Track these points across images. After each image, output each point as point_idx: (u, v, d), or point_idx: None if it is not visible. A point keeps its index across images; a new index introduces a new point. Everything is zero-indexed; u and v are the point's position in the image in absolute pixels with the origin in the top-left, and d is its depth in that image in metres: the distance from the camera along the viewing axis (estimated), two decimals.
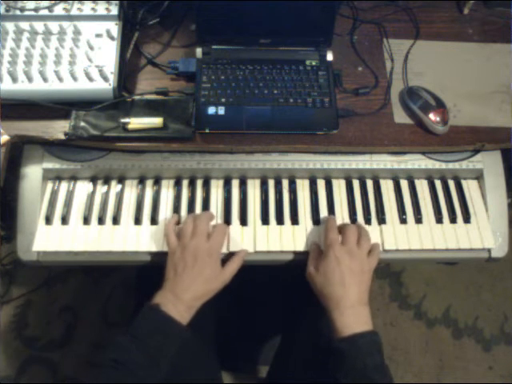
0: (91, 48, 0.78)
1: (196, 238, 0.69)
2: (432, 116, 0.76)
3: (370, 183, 0.82)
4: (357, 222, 0.78)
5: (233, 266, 0.71)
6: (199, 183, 0.81)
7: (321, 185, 0.81)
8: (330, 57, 0.83)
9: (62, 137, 0.74)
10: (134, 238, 0.76)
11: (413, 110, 0.79)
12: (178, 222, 0.76)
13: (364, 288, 0.68)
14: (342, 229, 0.73)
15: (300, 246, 0.75)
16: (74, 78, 0.75)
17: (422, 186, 0.82)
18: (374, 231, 0.77)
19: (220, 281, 0.69)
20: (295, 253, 0.76)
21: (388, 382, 0.63)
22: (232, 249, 0.75)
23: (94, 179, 0.80)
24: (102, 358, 0.61)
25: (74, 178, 0.79)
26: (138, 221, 0.77)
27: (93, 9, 0.80)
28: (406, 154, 0.79)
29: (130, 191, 0.80)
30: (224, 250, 0.74)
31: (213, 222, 0.76)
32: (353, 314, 0.65)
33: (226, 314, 1.06)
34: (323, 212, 0.79)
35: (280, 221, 0.78)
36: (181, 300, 0.65)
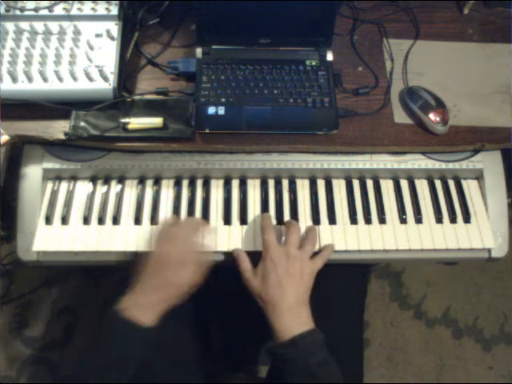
0: (91, 48, 0.78)
1: (169, 244, 0.69)
2: (432, 116, 0.76)
3: (369, 183, 0.82)
4: (308, 226, 0.76)
5: (200, 269, 0.69)
6: (199, 183, 0.81)
7: (321, 185, 0.81)
8: (330, 57, 0.83)
9: (62, 137, 0.74)
10: (133, 238, 0.76)
11: (413, 110, 0.79)
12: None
13: (303, 290, 0.68)
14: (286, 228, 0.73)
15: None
16: (74, 78, 0.75)
17: (421, 186, 0.82)
18: (374, 231, 0.77)
19: (188, 288, 0.68)
20: None
21: (333, 376, 0.63)
22: (234, 248, 0.75)
23: (93, 179, 0.80)
24: (76, 364, 0.63)
25: (74, 178, 0.79)
26: (137, 221, 0.77)
27: (93, 9, 0.80)
28: (405, 153, 0.79)
29: (130, 191, 0.80)
30: (224, 249, 0.74)
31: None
32: (291, 316, 0.65)
33: (226, 314, 1.06)
34: (323, 212, 0.79)
35: (280, 221, 0.78)
36: (145, 303, 0.64)
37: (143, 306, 0.64)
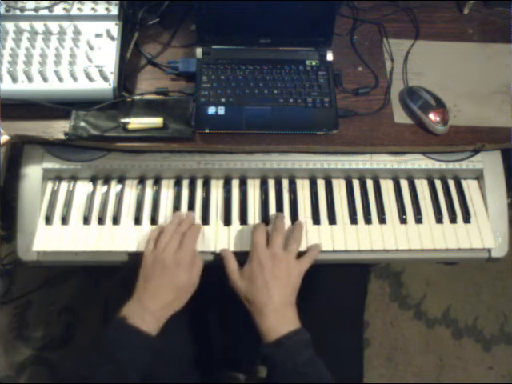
0: (91, 48, 0.78)
1: (167, 250, 0.69)
2: (432, 116, 0.76)
3: (369, 183, 0.82)
4: (296, 222, 0.76)
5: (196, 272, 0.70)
6: (199, 183, 0.81)
7: (321, 185, 0.81)
8: (330, 57, 0.83)
9: (62, 137, 0.74)
10: (134, 238, 0.76)
11: (413, 110, 0.79)
12: None
13: (289, 291, 0.68)
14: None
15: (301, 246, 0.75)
16: (74, 78, 0.75)
17: (421, 186, 0.82)
18: (374, 231, 0.77)
19: (188, 289, 0.68)
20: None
21: (323, 375, 0.63)
22: (233, 248, 0.75)
23: (93, 179, 0.80)
24: (71, 373, 0.62)
25: (74, 178, 0.79)
26: (137, 221, 0.77)
27: (93, 9, 0.80)
28: (405, 153, 0.79)
29: (130, 191, 0.80)
30: (231, 247, 0.74)
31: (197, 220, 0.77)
32: (277, 317, 0.65)
33: (226, 314, 1.06)
34: (323, 212, 0.79)
35: None
36: (148, 311, 0.64)
37: (146, 315, 0.64)
